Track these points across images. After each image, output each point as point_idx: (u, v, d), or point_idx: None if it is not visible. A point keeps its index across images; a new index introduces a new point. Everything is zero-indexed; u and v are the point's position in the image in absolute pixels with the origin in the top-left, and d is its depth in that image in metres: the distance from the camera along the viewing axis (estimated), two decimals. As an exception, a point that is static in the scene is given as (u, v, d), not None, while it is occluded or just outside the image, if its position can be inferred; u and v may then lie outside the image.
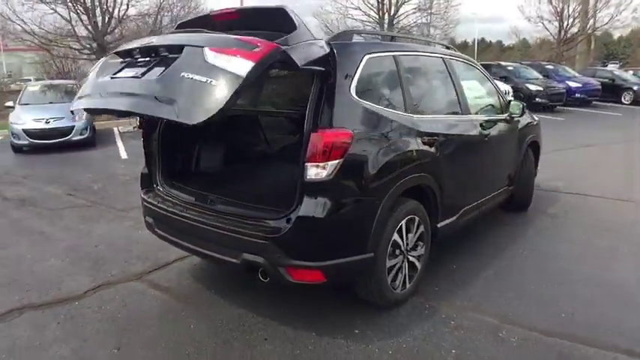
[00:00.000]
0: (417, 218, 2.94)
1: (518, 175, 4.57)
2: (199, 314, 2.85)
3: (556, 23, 23.67)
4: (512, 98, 4.33)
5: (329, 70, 2.44)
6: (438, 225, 3.21)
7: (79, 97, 2.62)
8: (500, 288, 3.16)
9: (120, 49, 2.75)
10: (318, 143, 2.31)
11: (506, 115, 4.21)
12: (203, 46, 2.19)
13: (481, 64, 4.57)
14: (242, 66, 2.05)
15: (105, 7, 14.66)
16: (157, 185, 3.15)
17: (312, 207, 2.34)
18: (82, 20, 14.35)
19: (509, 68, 15.66)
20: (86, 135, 9.37)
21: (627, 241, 4.01)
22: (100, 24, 14.58)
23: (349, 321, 2.75)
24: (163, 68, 2.25)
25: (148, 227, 3.16)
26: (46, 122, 9.12)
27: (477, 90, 4.08)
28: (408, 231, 2.87)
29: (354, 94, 2.54)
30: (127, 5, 14.84)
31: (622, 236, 4.15)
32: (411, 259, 2.97)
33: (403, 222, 2.81)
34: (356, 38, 2.87)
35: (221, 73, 2.07)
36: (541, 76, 15.27)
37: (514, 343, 2.53)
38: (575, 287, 3.16)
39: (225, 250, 2.54)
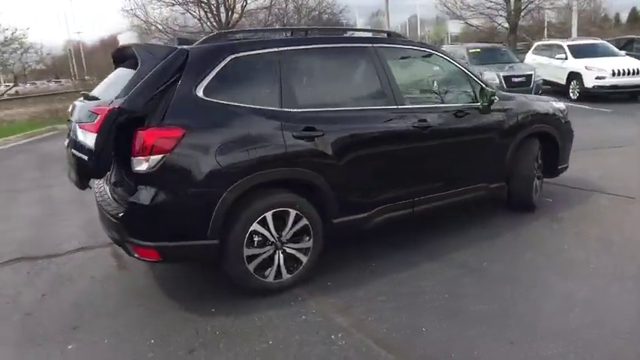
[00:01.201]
0: (292, 211, 2.98)
1: (510, 171, 4.07)
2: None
3: None
4: (484, 85, 3.81)
5: (176, 74, 2.69)
6: (334, 221, 3.17)
7: None
8: (390, 305, 2.86)
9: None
10: (141, 140, 2.56)
11: (478, 104, 3.77)
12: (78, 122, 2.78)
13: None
14: (90, 140, 2.59)
15: (228, 3, 16.38)
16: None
17: (139, 194, 2.63)
18: (208, 18, 16.30)
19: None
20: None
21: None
22: (223, 20, 16.37)
23: (206, 298, 3.00)
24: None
25: None
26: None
27: (430, 79, 3.75)
28: (279, 223, 2.96)
29: (200, 94, 2.72)
30: (245, 1, 16.33)
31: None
32: (289, 251, 3.03)
33: (268, 214, 2.89)
34: (241, 35, 3.02)
35: (87, 149, 2.63)
36: None
37: (326, 347, 2.48)
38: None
39: (109, 231, 3.02)
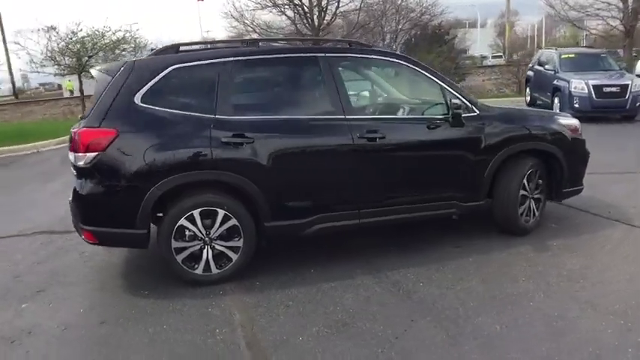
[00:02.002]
0: (220, 211, 3.21)
1: (492, 190, 3.80)
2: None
3: None
4: (461, 98, 3.56)
5: (117, 83, 3.10)
6: (266, 224, 3.32)
7: None
8: (291, 311, 2.92)
9: None
10: (78, 139, 3.02)
11: (443, 117, 3.58)
12: None
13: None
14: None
15: (321, 6, 16.91)
16: None
17: (79, 185, 3.10)
18: (302, 19, 17.01)
19: None
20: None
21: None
22: (316, 22, 16.95)
23: (159, 282, 3.35)
24: None
25: None
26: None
27: (393, 89, 3.63)
28: (209, 221, 3.21)
29: (138, 101, 3.09)
30: (338, 3, 16.69)
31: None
32: (218, 247, 3.27)
33: (196, 212, 3.17)
34: (189, 47, 3.34)
35: None
36: None
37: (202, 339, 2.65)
38: None
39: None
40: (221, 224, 3.24)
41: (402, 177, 3.60)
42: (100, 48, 15.80)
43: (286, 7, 16.83)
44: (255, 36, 17.19)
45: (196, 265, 3.27)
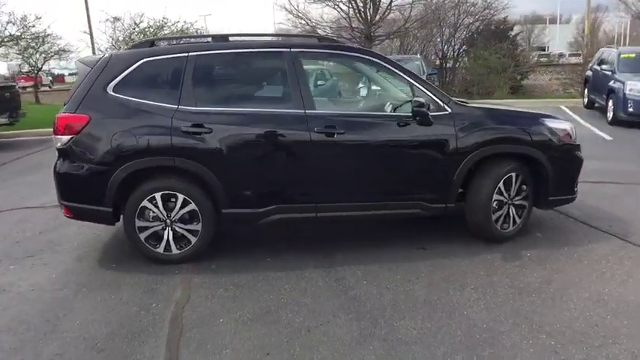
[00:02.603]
0: (180, 195, 3.42)
1: (465, 193, 3.68)
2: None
3: None
4: (432, 96, 3.44)
5: (94, 74, 3.39)
6: (223, 211, 3.49)
7: None
8: (223, 295, 3.06)
9: None
10: (57, 122, 3.35)
11: (408, 114, 3.49)
12: None
13: None
14: None
15: (374, 3, 16.67)
16: None
17: (58, 164, 3.43)
18: (356, 14, 16.90)
19: None
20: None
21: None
22: (369, 17, 16.76)
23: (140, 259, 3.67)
24: None
25: None
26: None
27: (360, 85, 3.59)
28: (171, 204, 3.43)
29: (110, 90, 3.36)
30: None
31: None
32: (178, 229, 3.49)
33: (157, 195, 3.39)
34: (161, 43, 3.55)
35: None
36: None
37: (136, 311, 2.87)
38: None
39: None
40: (181, 208, 3.45)
41: (362, 174, 3.58)
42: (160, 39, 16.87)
43: (340, 1, 16.81)
44: (307, 29, 17.38)
45: (158, 245, 3.51)
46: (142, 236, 3.48)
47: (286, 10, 17.12)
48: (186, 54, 3.47)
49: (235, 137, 3.40)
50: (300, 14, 17.10)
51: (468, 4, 18.27)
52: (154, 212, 3.44)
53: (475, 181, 3.65)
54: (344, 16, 17.22)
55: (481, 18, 18.58)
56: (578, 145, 3.93)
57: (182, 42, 3.88)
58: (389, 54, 17.28)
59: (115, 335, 2.66)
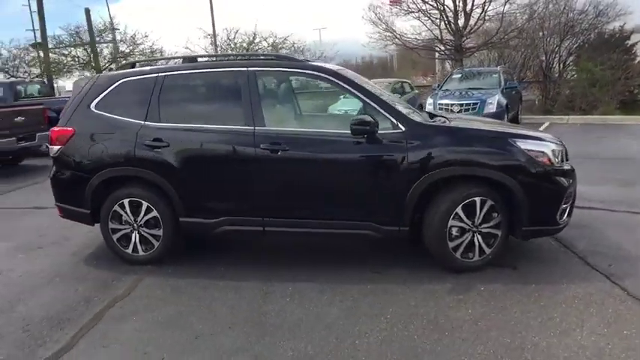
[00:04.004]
0: (144, 203, 3.76)
1: (413, 217, 3.46)
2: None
3: None
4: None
5: (83, 92, 3.93)
6: (181, 219, 3.75)
7: None
8: (152, 303, 3.22)
9: None
10: (50, 134, 3.93)
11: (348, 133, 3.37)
12: None
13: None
14: None
15: (466, 11, 15.94)
16: None
17: (52, 169, 4.00)
18: (446, 26, 16.34)
19: None
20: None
21: None
22: (460, 29, 16.07)
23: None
24: None
25: None
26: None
27: (312, 104, 3.56)
28: (134, 210, 3.80)
29: (92, 107, 3.85)
30: (484, 7, 15.48)
31: None
32: (144, 233, 3.84)
33: (125, 201, 3.79)
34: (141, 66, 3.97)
35: None
36: None
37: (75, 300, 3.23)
38: None
39: None
40: (145, 214, 3.80)
41: (308, 191, 3.57)
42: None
43: (429, 13, 16.37)
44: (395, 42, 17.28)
45: (127, 246, 3.90)
46: (115, 237, 3.90)
47: (373, 23, 17.20)
48: (155, 75, 3.84)
49: (189, 151, 3.66)
50: (388, 28, 17.05)
51: (575, 12, 16.48)
52: (124, 216, 3.84)
53: (432, 204, 3.40)
54: (431, 27, 16.74)
55: (591, 27, 16.60)
56: (564, 169, 3.44)
57: (158, 64, 4.27)
58: (481, 66, 16.37)
59: (46, 320, 3.05)
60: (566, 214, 3.56)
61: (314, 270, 3.65)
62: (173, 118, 3.79)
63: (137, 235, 3.86)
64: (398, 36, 17.15)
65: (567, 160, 3.69)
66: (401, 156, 3.38)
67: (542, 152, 3.38)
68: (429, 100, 11.26)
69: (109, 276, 3.72)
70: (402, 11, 16.60)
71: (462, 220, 3.40)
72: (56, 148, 3.93)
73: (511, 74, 13.82)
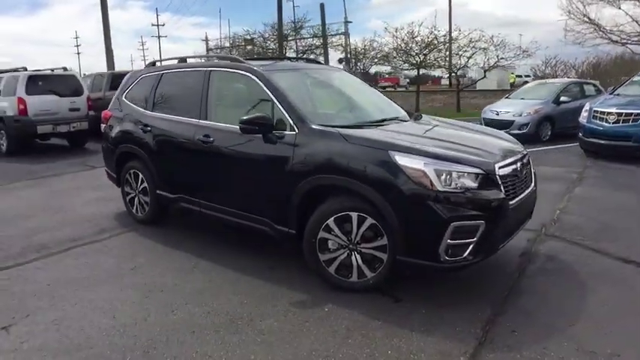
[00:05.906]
0: (140, 174, 4.72)
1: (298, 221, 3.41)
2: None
3: None
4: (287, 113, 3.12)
5: (123, 85, 5.09)
6: (157, 192, 4.57)
7: None
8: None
9: None
10: (103, 115, 5.23)
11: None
12: None
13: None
14: None
15: None
16: None
17: (103, 141, 5.31)
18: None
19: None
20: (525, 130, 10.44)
21: None
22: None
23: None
24: None
25: None
26: (496, 114, 11.07)
27: (239, 101, 3.74)
28: (135, 179, 4.81)
29: (124, 97, 4.97)
30: None
31: None
32: (140, 199, 4.83)
33: (130, 171, 4.85)
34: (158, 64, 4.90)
35: None
36: None
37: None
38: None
39: None
40: (141, 183, 4.78)
41: (224, 181, 3.93)
42: (430, 50, 18.10)
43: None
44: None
45: (133, 207, 4.97)
46: (127, 199, 5.04)
47: (568, 14, 14.46)
48: (159, 72, 4.72)
49: (158, 136, 4.45)
50: (586, 19, 14.09)
51: None
52: (131, 183, 4.91)
53: (313, 213, 3.29)
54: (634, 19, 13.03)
55: None
56: (447, 194, 2.80)
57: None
58: None
59: None
60: (467, 252, 2.88)
61: (228, 254, 3.95)
62: (157, 108, 4.61)
63: (137, 199, 4.88)
64: (600, 29, 13.99)
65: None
66: (287, 158, 3.38)
67: (421, 171, 2.84)
68: (586, 106, 8.97)
69: (108, 225, 4.86)
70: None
71: (335, 234, 3.17)
72: (103, 125, 5.26)
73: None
